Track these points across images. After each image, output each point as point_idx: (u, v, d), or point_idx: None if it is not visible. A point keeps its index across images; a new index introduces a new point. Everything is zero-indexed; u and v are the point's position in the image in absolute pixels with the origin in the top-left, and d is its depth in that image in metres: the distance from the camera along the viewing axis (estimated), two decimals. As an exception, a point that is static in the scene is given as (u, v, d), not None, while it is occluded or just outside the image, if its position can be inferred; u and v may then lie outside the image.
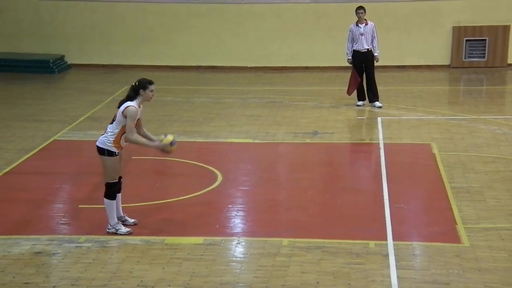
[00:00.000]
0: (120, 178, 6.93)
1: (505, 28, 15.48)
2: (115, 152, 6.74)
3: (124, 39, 16.29)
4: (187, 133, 10.74)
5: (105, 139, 6.73)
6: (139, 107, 6.74)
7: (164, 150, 6.81)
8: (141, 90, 6.71)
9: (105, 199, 6.86)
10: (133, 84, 6.77)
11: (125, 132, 6.67)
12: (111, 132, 6.72)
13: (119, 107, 6.71)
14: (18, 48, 16.41)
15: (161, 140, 6.78)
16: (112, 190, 6.83)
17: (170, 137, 6.78)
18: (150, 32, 16.23)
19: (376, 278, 5.95)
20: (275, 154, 9.88)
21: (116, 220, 6.92)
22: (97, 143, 6.77)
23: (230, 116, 11.78)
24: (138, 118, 6.76)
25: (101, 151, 6.74)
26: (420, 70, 15.64)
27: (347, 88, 12.39)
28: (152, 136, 6.96)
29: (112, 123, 6.75)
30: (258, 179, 8.70)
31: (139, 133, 6.89)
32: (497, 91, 13.86)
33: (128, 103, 6.66)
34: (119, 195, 6.98)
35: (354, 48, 12.06)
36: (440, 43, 15.69)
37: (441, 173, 8.64)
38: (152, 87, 6.76)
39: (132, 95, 6.72)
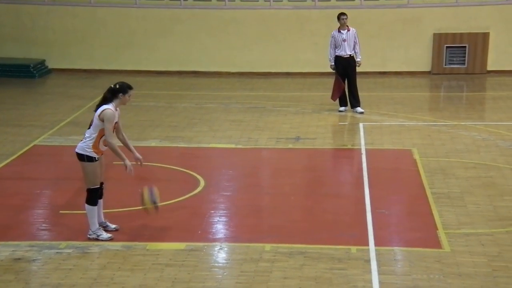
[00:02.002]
0: (101, 184, 6.88)
1: (485, 35, 15.67)
2: (95, 158, 6.69)
3: (106, 44, 16.21)
4: (169, 138, 10.71)
5: (84, 145, 6.68)
6: (116, 109, 6.69)
7: (129, 171, 6.74)
8: (120, 94, 6.67)
9: (86, 205, 6.81)
10: (113, 86, 6.71)
11: (103, 136, 6.62)
12: (88, 137, 6.67)
13: (96, 110, 6.67)
14: (-2, 52, 16.27)
15: (144, 191, 6.80)
16: (93, 196, 6.78)
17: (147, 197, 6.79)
18: (132, 37, 16.17)
19: (358, 284, 5.97)
20: (257, 160, 9.89)
21: (97, 225, 6.87)
22: (76, 150, 6.72)
23: (213, 121, 11.77)
24: (116, 122, 6.71)
25: (81, 157, 6.69)
26: (402, 76, 15.76)
27: (331, 94, 12.45)
28: (131, 146, 6.93)
29: (89, 128, 6.71)
30: (240, 185, 8.69)
31: (118, 138, 6.86)
32: (477, 98, 14.01)
33: (104, 107, 6.61)
34: (100, 201, 6.93)
35: (337, 53, 12.12)
36: (421, 50, 15.84)
37: (422, 178, 8.70)
38: (131, 92, 6.74)
39: (109, 97, 6.66)
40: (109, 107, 6.60)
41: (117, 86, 6.69)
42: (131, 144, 7.01)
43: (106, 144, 6.64)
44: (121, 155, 6.68)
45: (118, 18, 16.20)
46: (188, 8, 16.08)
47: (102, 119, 6.57)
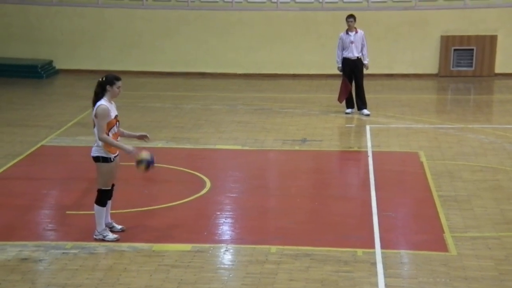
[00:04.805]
0: (112, 185, 6.89)
1: (493, 38, 15.62)
2: (110, 158, 6.69)
3: (113, 44, 16.25)
4: (175, 140, 10.72)
5: (97, 147, 6.69)
6: (111, 103, 6.69)
7: (136, 160, 6.66)
8: (108, 86, 6.64)
9: (95, 205, 6.81)
10: (100, 79, 6.70)
11: (110, 129, 6.60)
12: (97, 136, 6.68)
13: (93, 108, 6.67)
14: (6, 53, 16.32)
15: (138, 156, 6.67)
16: (103, 197, 6.79)
17: (143, 155, 6.65)
18: (139, 38, 16.21)
19: (364, 286, 5.96)
20: (263, 161, 9.88)
21: (104, 226, 6.88)
22: (91, 154, 6.73)
23: (219, 122, 11.78)
24: (116, 115, 6.70)
25: (96, 158, 6.70)
26: (409, 78, 15.73)
27: (337, 95, 12.44)
28: (129, 132, 6.95)
29: (94, 128, 6.71)
30: (246, 186, 8.69)
31: (121, 134, 6.84)
32: (485, 100, 13.97)
33: (98, 103, 6.61)
34: (109, 202, 6.94)
35: (345, 55, 12.12)
36: (428, 52, 15.80)
37: (429, 181, 8.68)
38: (119, 83, 6.68)
39: (99, 91, 6.65)
40: (101, 103, 6.59)
41: (104, 79, 6.68)
42: (127, 131, 6.96)
43: (100, 139, 6.60)
44: (118, 145, 6.66)
45: (125, 19, 16.24)
46: (194, 9, 16.11)
47: (96, 116, 6.59)
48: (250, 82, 15.50)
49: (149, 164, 6.68)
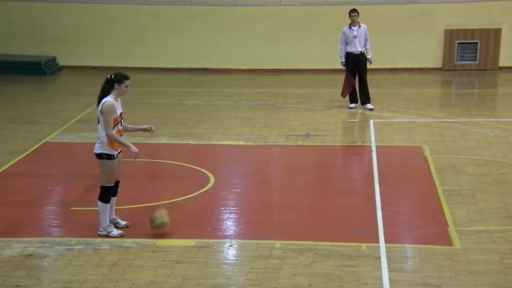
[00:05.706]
0: (117, 182, 6.89)
1: (497, 31, 15.57)
2: (113, 155, 6.69)
3: (116, 41, 16.26)
4: (179, 135, 10.73)
5: (100, 144, 6.70)
6: (117, 101, 6.69)
7: (136, 156, 6.69)
8: (116, 84, 6.64)
9: (99, 202, 6.83)
10: (109, 76, 6.69)
11: (114, 127, 6.60)
12: (101, 133, 6.69)
13: (98, 104, 6.68)
14: (10, 50, 16.35)
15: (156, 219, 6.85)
16: (106, 194, 6.80)
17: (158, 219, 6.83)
18: (142, 34, 16.21)
19: (368, 281, 5.96)
20: (267, 157, 9.88)
21: (108, 222, 6.90)
22: (94, 151, 6.74)
23: (223, 118, 11.78)
24: (121, 113, 6.72)
25: (99, 156, 6.70)
26: (412, 72, 15.70)
27: (341, 90, 12.42)
28: (134, 126, 7.10)
29: (98, 124, 6.72)
30: (250, 182, 8.69)
31: (126, 128, 6.86)
32: (489, 94, 13.93)
33: (103, 100, 6.62)
34: (113, 199, 6.95)
35: (348, 50, 12.09)
36: (432, 46, 15.76)
37: (433, 175, 8.67)
38: (127, 82, 6.68)
39: (106, 88, 6.65)
40: (107, 99, 6.60)
41: (112, 76, 6.67)
42: (131, 125, 7.09)
43: (107, 135, 6.62)
44: (124, 142, 6.68)
45: (129, 15, 16.25)
46: (198, 5, 16.10)
47: (102, 113, 6.59)
48: (254, 78, 15.49)
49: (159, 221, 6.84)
